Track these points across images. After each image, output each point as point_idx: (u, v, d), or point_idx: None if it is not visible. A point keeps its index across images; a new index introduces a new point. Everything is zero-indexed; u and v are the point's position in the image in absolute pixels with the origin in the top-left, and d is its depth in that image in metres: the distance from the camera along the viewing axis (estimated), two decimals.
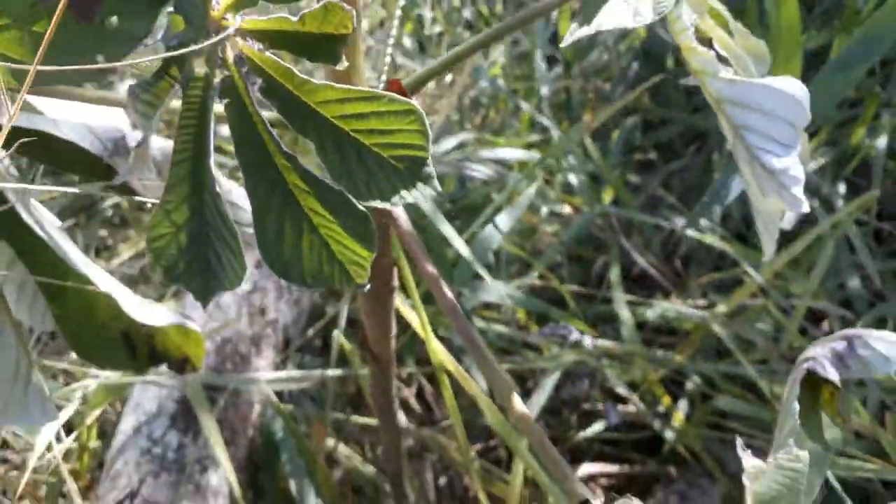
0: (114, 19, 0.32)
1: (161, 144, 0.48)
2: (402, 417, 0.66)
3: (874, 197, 1.03)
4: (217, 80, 0.35)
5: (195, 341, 0.56)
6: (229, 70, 0.34)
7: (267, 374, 0.85)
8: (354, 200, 0.35)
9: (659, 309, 1.02)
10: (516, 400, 0.41)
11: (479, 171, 1.05)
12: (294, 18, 0.32)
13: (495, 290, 0.91)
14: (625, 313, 1.00)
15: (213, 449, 0.75)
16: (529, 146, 1.24)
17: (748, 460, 0.35)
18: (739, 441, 0.36)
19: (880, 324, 0.99)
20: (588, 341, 0.89)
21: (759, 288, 0.98)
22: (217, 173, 0.37)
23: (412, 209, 0.91)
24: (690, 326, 1.02)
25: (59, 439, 0.72)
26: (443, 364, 0.65)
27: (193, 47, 0.32)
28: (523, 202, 0.98)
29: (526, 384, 1.02)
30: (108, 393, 0.78)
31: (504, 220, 0.96)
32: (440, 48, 1.47)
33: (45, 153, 0.46)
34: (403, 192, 0.35)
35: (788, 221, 1.23)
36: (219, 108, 0.36)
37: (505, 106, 1.34)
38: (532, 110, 1.25)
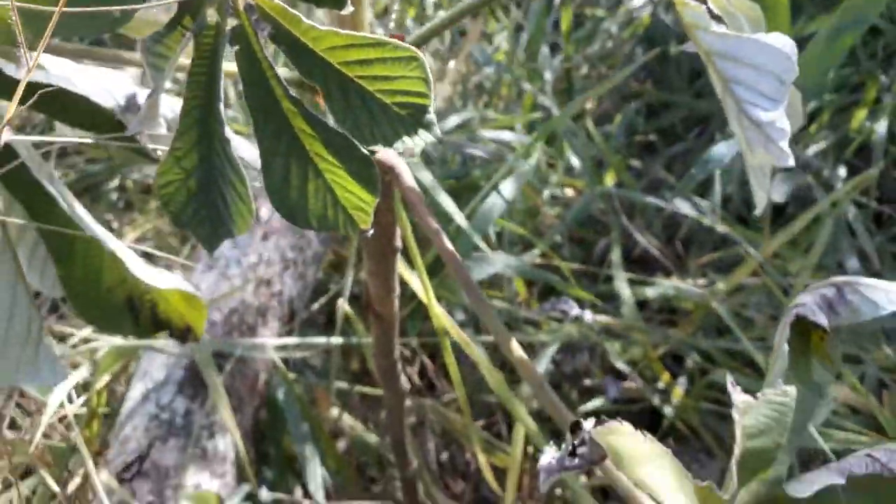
0: None
1: (173, 104, 0.50)
2: (404, 381, 0.68)
3: (873, 177, 1.04)
4: (228, 28, 0.36)
5: (198, 309, 0.56)
6: (240, 18, 0.36)
7: (273, 340, 0.86)
8: (358, 144, 0.36)
9: (660, 287, 1.03)
10: (515, 345, 0.42)
11: (481, 150, 1.07)
12: None
13: (497, 261, 0.93)
14: (625, 291, 1.01)
15: (220, 414, 0.77)
16: (531, 126, 1.25)
17: (738, 396, 0.36)
18: (730, 377, 0.37)
19: None
20: (588, 316, 0.90)
21: (758, 266, 0.99)
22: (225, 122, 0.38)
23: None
24: (690, 305, 1.04)
25: (70, 400, 0.73)
26: (445, 329, 0.66)
27: None
28: (525, 173, 0.99)
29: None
30: (118, 356, 0.79)
31: (506, 190, 0.97)
32: (443, 34, 1.48)
33: (58, 109, 0.47)
34: (406, 138, 0.37)
35: (781, 194, 1.23)
36: (227, 66, 0.37)
37: (508, 91, 1.35)
38: (535, 92, 1.26)
